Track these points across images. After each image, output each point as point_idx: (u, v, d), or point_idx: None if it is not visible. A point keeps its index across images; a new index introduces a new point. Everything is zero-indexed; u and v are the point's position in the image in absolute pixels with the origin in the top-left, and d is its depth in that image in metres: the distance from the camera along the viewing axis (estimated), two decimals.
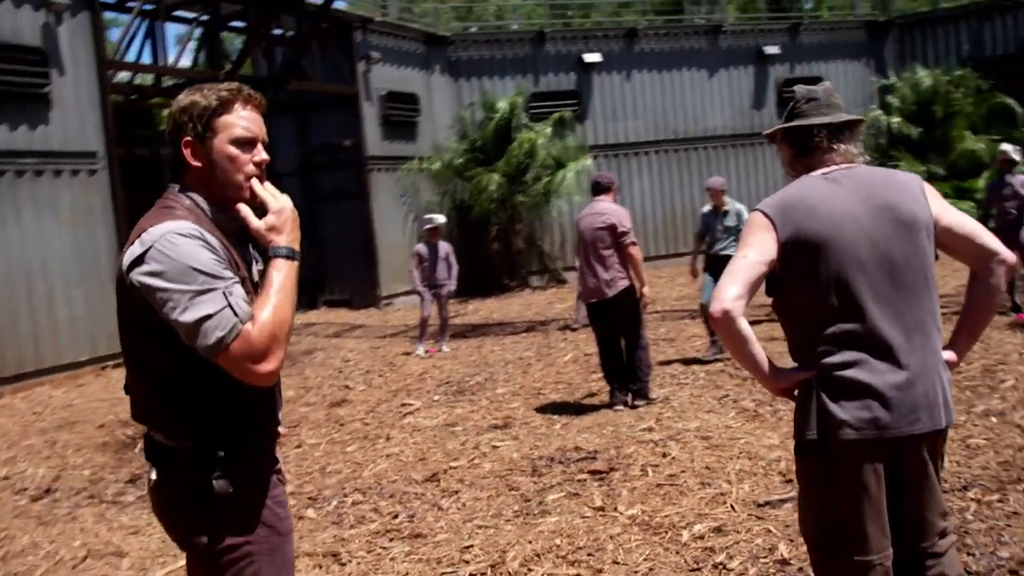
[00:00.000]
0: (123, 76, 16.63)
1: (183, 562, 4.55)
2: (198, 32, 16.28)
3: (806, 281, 2.42)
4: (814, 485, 2.47)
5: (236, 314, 2.02)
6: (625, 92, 20.41)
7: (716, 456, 5.42)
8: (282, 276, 2.14)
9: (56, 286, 11.61)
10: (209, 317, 1.99)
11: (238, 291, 2.08)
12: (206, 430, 2.15)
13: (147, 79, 16.83)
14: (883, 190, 2.46)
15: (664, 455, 5.55)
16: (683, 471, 5.20)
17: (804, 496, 2.53)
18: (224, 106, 2.20)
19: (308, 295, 18.51)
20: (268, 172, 2.29)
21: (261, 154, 2.25)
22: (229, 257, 2.16)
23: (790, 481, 4.84)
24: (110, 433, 8.06)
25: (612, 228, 7.01)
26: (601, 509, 4.75)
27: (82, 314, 11.86)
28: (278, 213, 2.20)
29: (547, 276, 19.21)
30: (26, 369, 11.18)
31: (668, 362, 8.80)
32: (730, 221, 8.77)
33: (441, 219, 11.37)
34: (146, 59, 15.41)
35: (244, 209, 2.21)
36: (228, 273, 2.09)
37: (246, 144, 2.22)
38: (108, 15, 16.97)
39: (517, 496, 5.13)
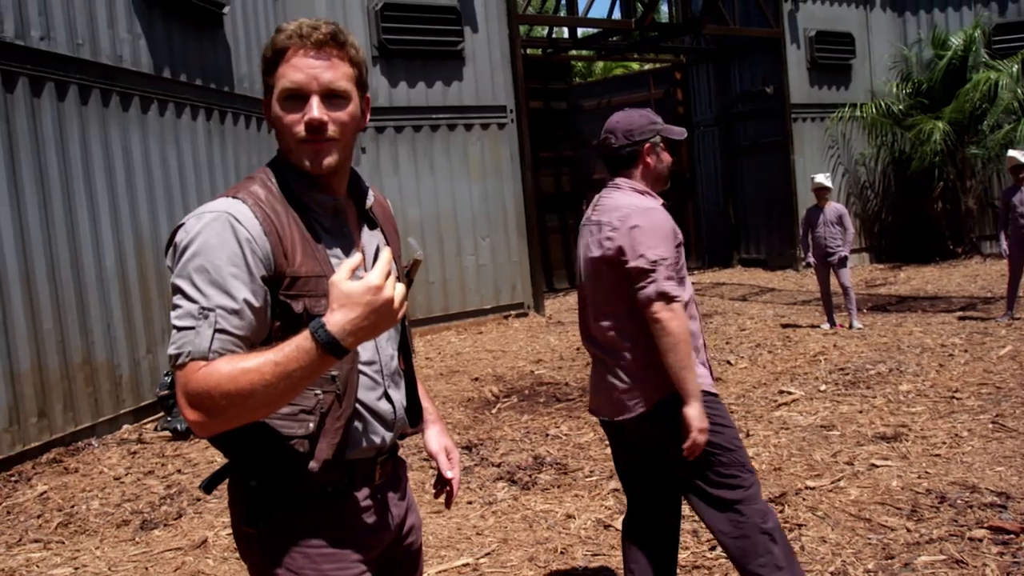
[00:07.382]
0: (541, 31, 16.89)
1: (460, 562, 4.11)
2: None
3: None
4: None
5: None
6: None
7: None
8: (283, 360, 1.44)
9: (465, 235, 12.07)
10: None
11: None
12: None
13: (564, 32, 16.91)
14: None
15: None
16: None
17: None
18: (279, 55, 1.65)
19: (722, 253, 17.70)
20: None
21: (311, 111, 1.61)
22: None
23: None
24: (478, 389, 8.03)
25: None
26: None
27: (488, 263, 12.25)
28: (362, 290, 1.43)
29: None
30: (434, 314, 11.80)
31: None
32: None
33: (823, 179, 10.07)
34: (563, 12, 15.38)
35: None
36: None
37: (294, 99, 1.63)
38: None
39: (878, 547, 3.91)
